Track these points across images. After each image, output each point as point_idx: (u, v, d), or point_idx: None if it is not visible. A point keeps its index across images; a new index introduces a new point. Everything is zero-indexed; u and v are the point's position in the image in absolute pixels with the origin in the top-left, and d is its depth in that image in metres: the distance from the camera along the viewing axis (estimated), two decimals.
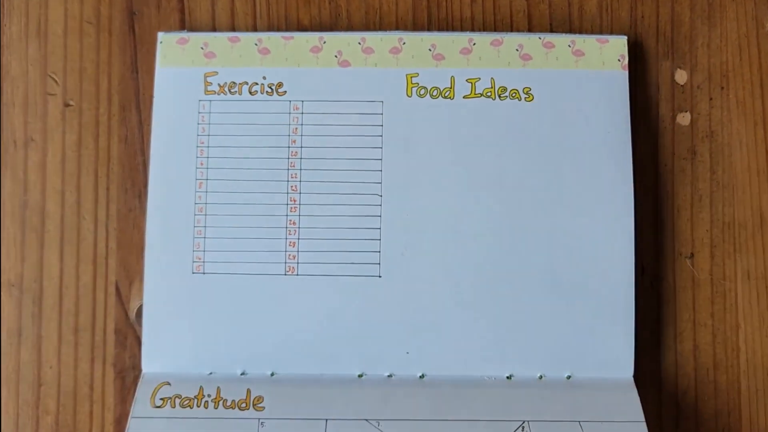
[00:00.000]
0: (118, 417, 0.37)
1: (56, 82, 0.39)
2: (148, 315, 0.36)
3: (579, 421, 0.35)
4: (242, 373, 0.36)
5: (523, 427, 0.35)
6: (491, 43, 0.38)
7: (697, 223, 0.38)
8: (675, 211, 0.38)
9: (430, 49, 0.38)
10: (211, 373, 0.36)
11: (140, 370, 0.37)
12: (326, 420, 0.35)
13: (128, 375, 0.38)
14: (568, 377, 0.36)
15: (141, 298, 0.38)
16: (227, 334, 0.36)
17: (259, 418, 0.35)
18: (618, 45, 0.38)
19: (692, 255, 0.38)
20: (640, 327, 0.37)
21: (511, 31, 0.39)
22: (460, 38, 0.38)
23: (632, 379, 0.36)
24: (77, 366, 0.38)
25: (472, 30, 0.39)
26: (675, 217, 0.38)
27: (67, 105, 0.39)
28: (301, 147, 0.37)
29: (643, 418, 0.35)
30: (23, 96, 0.39)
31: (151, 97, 0.38)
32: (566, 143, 0.37)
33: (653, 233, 0.38)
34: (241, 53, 0.38)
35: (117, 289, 0.38)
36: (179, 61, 0.38)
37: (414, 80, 0.38)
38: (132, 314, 0.38)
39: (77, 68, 0.39)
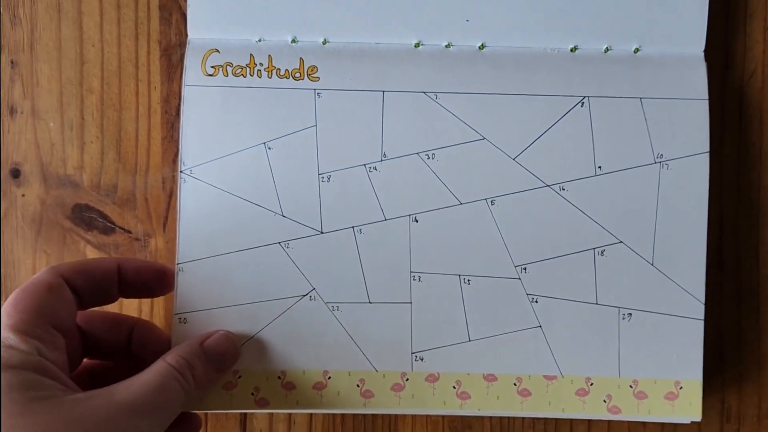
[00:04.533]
0: (165, 95, 0.34)
1: None
2: None
3: (640, 98, 0.32)
4: (293, 40, 0.33)
5: (582, 103, 0.32)
6: None
7: None
8: None
9: None
10: (260, 40, 0.33)
11: (186, 47, 0.33)
12: (383, 92, 0.32)
13: (174, 53, 0.34)
14: (636, 50, 0.33)
15: None
16: None
17: (315, 89, 0.32)
18: None
19: None
20: (710, 7, 0.32)
21: None
22: None
23: (702, 54, 0.33)
24: (120, 43, 0.34)
25: None
26: None
27: None
28: None
29: (706, 96, 0.32)
30: None
31: None
32: None
33: None
34: None
35: None
36: None
37: None
38: None
39: None
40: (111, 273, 0.30)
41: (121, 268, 0.30)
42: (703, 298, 0.32)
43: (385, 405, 0.32)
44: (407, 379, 0.32)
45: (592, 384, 0.32)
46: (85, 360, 0.31)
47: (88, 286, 0.29)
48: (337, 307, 0.32)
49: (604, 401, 0.32)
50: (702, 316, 0.32)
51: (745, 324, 0.35)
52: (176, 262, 0.32)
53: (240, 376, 0.32)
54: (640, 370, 0.32)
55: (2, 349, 0.25)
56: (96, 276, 0.30)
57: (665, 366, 0.32)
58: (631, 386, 0.32)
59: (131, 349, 0.31)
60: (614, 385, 0.32)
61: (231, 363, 0.31)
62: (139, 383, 0.26)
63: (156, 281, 0.31)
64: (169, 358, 0.28)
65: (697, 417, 0.32)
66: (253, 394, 0.32)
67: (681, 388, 0.32)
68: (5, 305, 0.27)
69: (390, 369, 0.32)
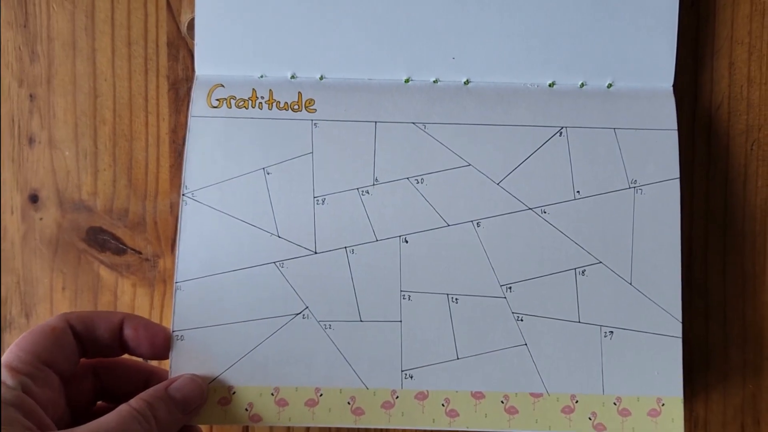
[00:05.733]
0: (173, 126, 0.36)
1: None
2: (200, 17, 0.35)
3: (614, 128, 0.34)
4: (292, 77, 0.35)
5: (560, 133, 0.34)
6: None
7: None
8: None
9: None
10: (262, 76, 0.35)
11: (193, 81, 0.35)
12: (375, 122, 0.34)
13: (181, 87, 0.36)
14: (609, 85, 0.35)
15: (192, 11, 0.36)
16: (277, 38, 0.35)
17: (312, 119, 0.34)
18: None
19: None
20: (679, 44, 0.35)
21: None
22: None
23: (671, 88, 0.34)
24: (131, 78, 0.36)
25: None
26: None
27: None
28: None
29: (675, 127, 0.34)
30: None
31: None
32: None
33: None
34: None
35: (168, 2, 0.36)
36: None
37: None
38: (183, 28, 0.36)
39: None
40: (114, 326, 0.31)
41: (124, 323, 0.31)
42: (679, 316, 0.33)
43: (376, 423, 0.33)
44: (397, 397, 0.33)
45: (577, 401, 0.33)
46: (99, 403, 0.32)
47: (89, 335, 0.31)
48: (330, 325, 0.33)
49: (589, 419, 0.33)
50: (679, 334, 0.33)
51: (712, 337, 0.36)
52: (175, 281, 0.33)
53: (234, 392, 0.33)
54: (623, 387, 0.33)
55: None
56: (99, 326, 0.31)
57: (647, 383, 0.33)
58: (615, 403, 0.33)
59: None
60: (599, 403, 0.33)
61: (197, 404, 0.31)
62: (99, 424, 0.27)
63: (149, 345, 0.32)
64: (132, 401, 0.29)
65: None
66: (246, 409, 0.33)
67: (663, 404, 0.33)
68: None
69: (380, 387, 0.33)
